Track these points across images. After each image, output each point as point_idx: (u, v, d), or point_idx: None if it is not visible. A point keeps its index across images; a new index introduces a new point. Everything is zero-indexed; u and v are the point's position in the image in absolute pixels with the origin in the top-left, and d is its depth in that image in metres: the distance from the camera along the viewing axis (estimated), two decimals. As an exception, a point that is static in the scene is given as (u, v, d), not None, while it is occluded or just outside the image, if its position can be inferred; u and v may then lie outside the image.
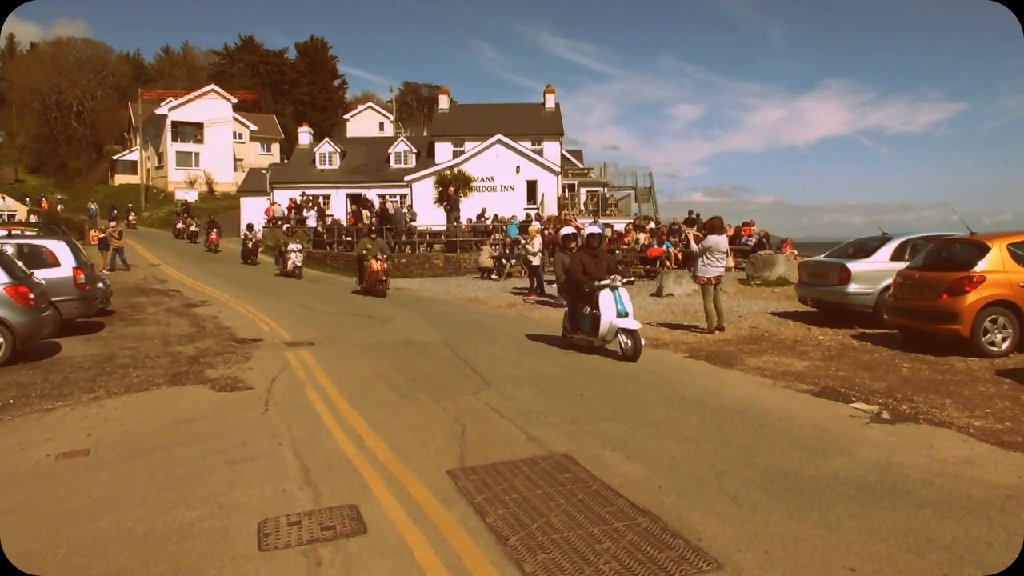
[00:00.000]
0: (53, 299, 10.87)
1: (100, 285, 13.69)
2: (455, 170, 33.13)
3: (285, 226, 30.41)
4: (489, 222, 28.25)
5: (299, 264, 23.29)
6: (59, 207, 52.79)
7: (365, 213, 29.66)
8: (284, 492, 4.73)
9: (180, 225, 43.33)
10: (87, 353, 10.18)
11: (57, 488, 4.99)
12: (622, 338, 9.00)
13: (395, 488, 4.73)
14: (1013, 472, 4.81)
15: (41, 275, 11.05)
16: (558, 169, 37.27)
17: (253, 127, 65.89)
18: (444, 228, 28.70)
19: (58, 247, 12.39)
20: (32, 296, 9.61)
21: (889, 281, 10.52)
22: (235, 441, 5.96)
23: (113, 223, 31.36)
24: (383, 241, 20.57)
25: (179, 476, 5.13)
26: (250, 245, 28.91)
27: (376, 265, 17.76)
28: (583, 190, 38.52)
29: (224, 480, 5.00)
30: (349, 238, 30.11)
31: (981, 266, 8.95)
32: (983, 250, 9.11)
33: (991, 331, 8.81)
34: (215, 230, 34.15)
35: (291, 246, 23.39)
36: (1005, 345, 8.78)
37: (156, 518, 4.35)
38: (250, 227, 31.26)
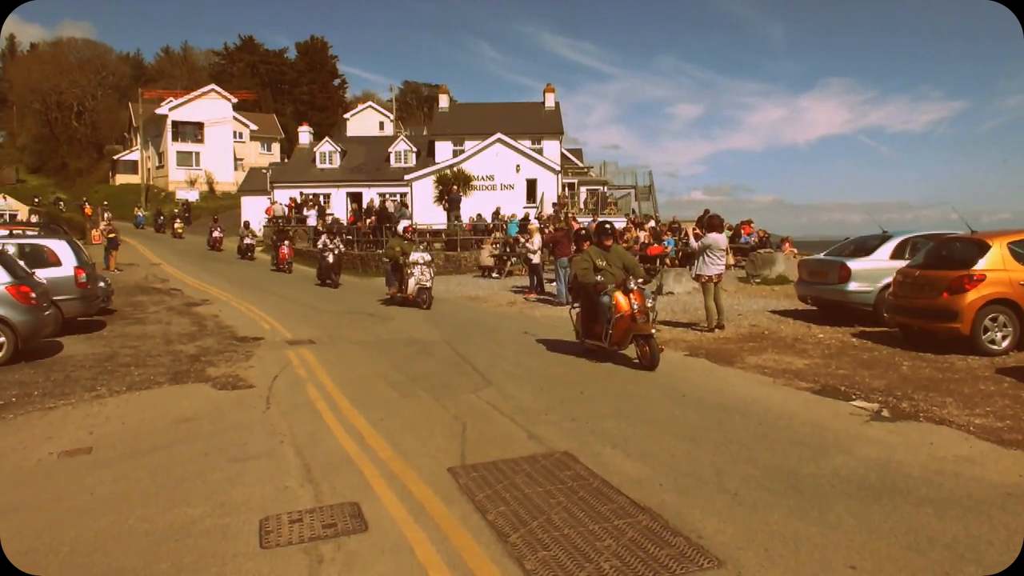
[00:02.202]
0: (55, 298, 10.90)
1: (101, 284, 13.71)
2: (455, 169, 33.17)
3: (401, 225, 20.21)
4: (491, 221, 28.26)
5: (428, 284, 15.36)
6: (105, 214, 38.40)
7: (369, 221, 28.72)
8: (285, 490, 4.74)
9: (217, 234, 33.20)
10: (89, 352, 10.19)
11: (59, 487, 5.00)
12: None
13: (396, 486, 4.74)
14: (1013, 470, 4.81)
15: (43, 274, 11.10)
16: (558, 168, 37.28)
17: (253, 127, 65.89)
18: (444, 227, 28.70)
19: (59, 246, 12.41)
20: (34, 295, 9.62)
21: (889, 279, 10.50)
22: (236, 439, 5.97)
23: (105, 222, 31.10)
24: (624, 250, 10.32)
25: (180, 474, 5.13)
26: (330, 259, 20.73)
27: (627, 303, 8.48)
28: (583, 189, 38.61)
29: (225, 478, 5.00)
30: (350, 237, 30.12)
31: (981, 264, 8.94)
32: (983, 248, 9.10)
33: (991, 329, 8.80)
34: (286, 243, 25.80)
35: (415, 256, 15.52)
36: (1005, 343, 8.78)
37: (157, 516, 4.36)
38: (328, 234, 23.00)
